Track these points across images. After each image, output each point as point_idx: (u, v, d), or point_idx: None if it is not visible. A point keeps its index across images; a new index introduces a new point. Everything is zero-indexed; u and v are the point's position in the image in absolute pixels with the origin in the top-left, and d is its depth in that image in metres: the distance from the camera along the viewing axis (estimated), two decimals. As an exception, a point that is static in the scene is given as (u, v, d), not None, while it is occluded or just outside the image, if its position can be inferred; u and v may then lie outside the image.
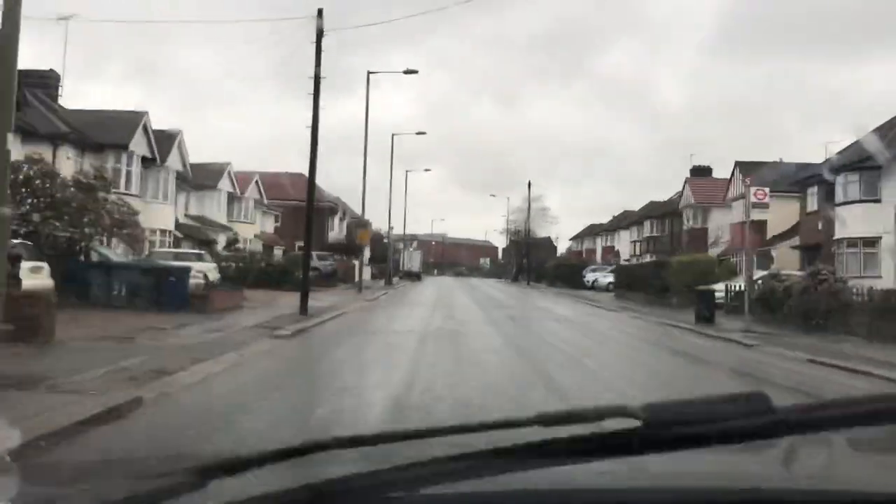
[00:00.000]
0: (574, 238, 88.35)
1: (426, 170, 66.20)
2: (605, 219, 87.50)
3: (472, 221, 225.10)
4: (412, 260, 68.83)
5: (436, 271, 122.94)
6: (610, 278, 46.94)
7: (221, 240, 45.35)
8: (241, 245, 48.35)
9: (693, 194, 46.83)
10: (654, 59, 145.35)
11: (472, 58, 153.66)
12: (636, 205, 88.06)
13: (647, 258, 57.05)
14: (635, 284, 35.64)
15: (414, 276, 68.80)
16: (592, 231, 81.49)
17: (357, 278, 33.68)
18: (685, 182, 48.93)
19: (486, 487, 1.43)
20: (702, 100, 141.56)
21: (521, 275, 75.49)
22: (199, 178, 46.74)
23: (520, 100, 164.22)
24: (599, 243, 77.04)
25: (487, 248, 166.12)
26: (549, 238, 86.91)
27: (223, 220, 47.82)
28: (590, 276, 50.51)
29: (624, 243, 67.74)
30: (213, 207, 47.12)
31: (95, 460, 3.66)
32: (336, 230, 66.96)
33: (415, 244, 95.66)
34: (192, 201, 46.13)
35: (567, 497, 1.50)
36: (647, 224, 58.26)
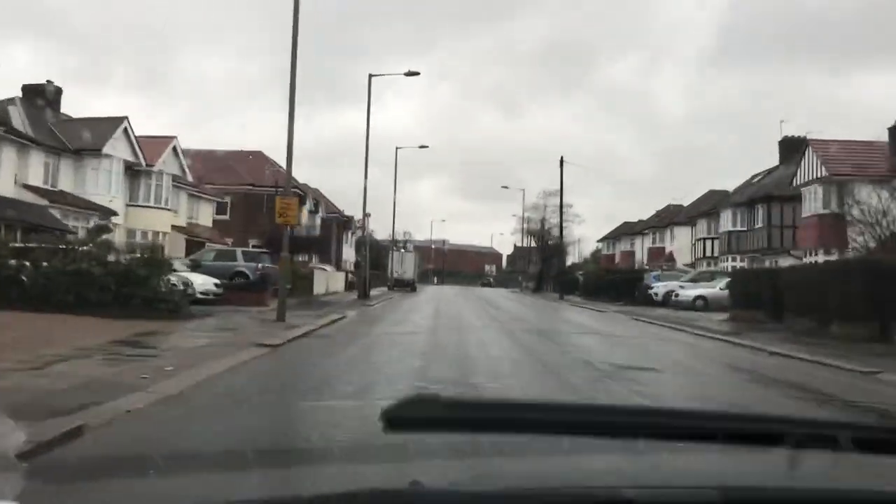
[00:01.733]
0: (603, 240, 72.29)
1: (422, 146, 50.25)
2: (610, 227, 71.79)
3: (475, 230, 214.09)
4: (404, 264, 52.87)
5: (435, 279, 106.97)
6: (699, 291, 31.05)
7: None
8: (141, 239, 32.68)
9: (824, 165, 30.81)
10: (655, 69, 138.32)
11: (475, 69, 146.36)
12: (638, 213, 73.73)
13: (729, 261, 41.08)
14: (786, 303, 19.73)
15: (406, 286, 52.80)
16: (629, 230, 65.46)
17: (281, 292, 17.45)
18: (806, 147, 32.84)
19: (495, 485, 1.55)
20: (701, 109, 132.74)
21: (544, 284, 59.52)
22: (77, 139, 30.98)
23: (523, 110, 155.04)
24: (642, 245, 61.03)
25: (492, 255, 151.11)
26: (559, 242, 70.91)
27: (116, 201, 31.86)
28: (658, 288, 34.48)
29: (680, 243, 51.80)
30: (97, 181, 31.19)
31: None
32: (303, 225, 51.06)
33: (408, 245, 79.97)
34: (64, 170, 30.26)
35: (571, 494, 1.47)
36: (725, 216, 42.23)
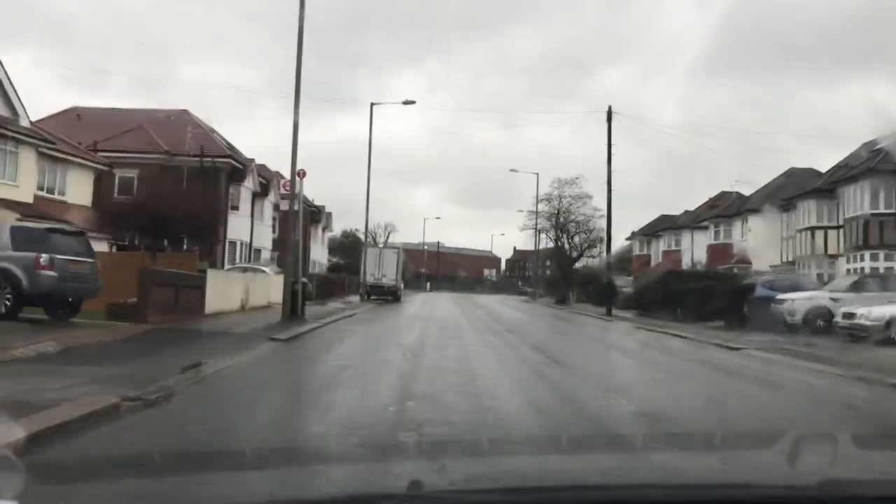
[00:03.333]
0: (635, 236, 58.34)
1: (407, 102, 36.36)
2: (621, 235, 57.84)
3: (471, 239, 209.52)
4: (383, 265, 38.69)
5: (428, 285, 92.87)
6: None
7: None
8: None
9: None
10: (650, 80, 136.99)
11: (472, 78, 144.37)
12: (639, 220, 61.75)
13: (867, 260, 27.34)
14: None
15: (386, 295, 38.85)
16: (672, 224, 51.70)
17: None
18: None
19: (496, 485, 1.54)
20: (696, 119, 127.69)
21: (571, 295, 45.63)
22: None
23: (520, 120, 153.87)
24: (692, 241, 47.26)
25: (490, 259, 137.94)
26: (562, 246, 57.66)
27: None
28: (794, 304, 20.73)
29: (762, 238, 37.92)
30: None
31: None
32: (243, 208, 37.05)
33: (388, 237, 66.01)
34: None
35: (573, 493, 1.48)
36: (856, 192, 28.36)
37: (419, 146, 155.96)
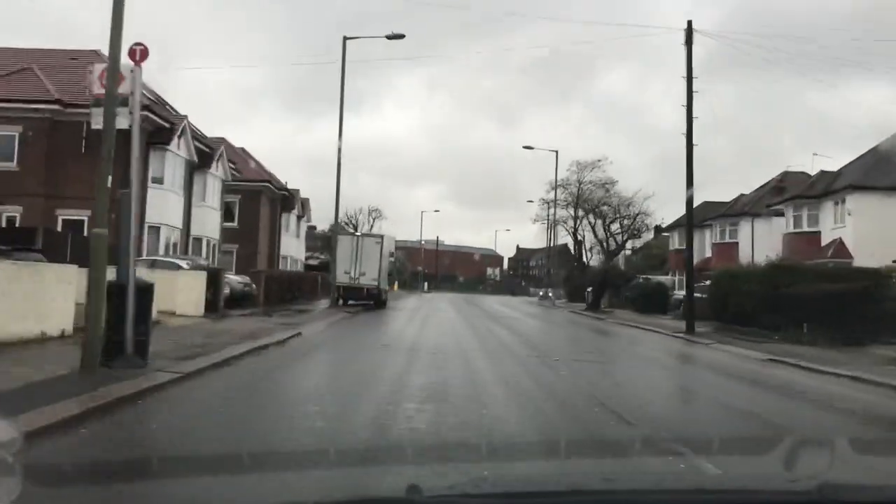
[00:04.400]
0: (673, 228, 48.48)
1: (393, 36, 26.52)
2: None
3: (473, 237, 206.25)
4: (362, 259, 28.78)
5: (426, 285, 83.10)
6: None
7: None
8: None
9: None
10: (649, 80, 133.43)
11: (472, 80, 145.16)
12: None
13: None
14: None
15: (365, 298, 29.19)
16: (724, 211, 41.85)
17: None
18: None
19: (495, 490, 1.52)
20: (695, 119, 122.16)
21: (602, 298, 35.80)
22: None
23: (520, 120, 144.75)
24: (752, 231, 37.56)
25: (493, 258, 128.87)
26: (582, 240, 48.26)
27: None
28: None
29: (874, 224, 28.13)
30: None
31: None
32: (170, 181, 27.14)
33: (373, 225, 55.88)
34: None
35: (573, 498, 1.44)
36: None
37: (418, 145, 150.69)
